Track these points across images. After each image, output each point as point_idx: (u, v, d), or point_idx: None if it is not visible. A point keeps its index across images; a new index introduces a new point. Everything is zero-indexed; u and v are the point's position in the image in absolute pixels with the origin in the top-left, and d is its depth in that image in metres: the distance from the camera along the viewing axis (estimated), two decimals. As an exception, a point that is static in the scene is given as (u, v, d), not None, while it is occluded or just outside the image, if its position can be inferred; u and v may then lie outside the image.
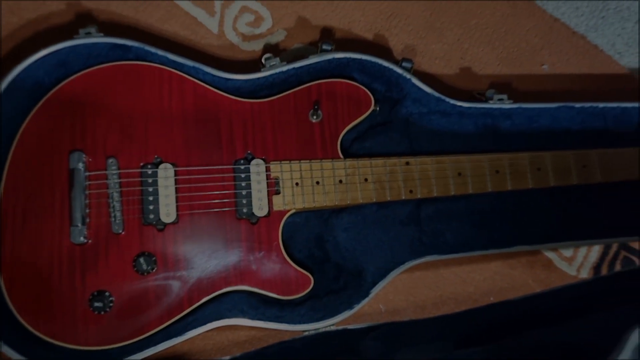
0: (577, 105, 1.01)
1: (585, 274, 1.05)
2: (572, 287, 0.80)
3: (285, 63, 0.94)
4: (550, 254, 1.05)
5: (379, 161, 0.91)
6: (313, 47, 1.05)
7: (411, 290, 1.00)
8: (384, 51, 1.08)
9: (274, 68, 0.94)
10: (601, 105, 1.02)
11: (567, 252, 1.06)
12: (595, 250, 1.07)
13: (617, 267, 1.06)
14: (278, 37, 1.05)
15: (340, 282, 0.91)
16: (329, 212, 0.94)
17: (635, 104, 1.02)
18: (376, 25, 1.08)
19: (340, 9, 1.07)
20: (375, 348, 0.73)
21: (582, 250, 1.06)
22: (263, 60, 0.95)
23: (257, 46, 1.05)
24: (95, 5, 1.00)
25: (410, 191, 0.91)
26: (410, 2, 1.09)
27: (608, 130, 1.02)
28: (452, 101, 0.98)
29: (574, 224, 0.99)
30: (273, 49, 1.05)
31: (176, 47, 1.01)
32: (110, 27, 0.99)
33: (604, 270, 1.06)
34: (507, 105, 0.99)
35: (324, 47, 0.96)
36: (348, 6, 1.07)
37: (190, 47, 1.02)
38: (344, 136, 0.92)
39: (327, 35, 1.07)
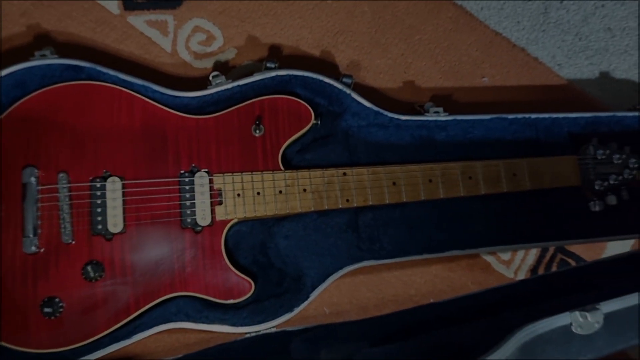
0: (510, 116, 1.06)
1: (522, 276, 1.11)
2: (489, 291, 0.86)
3: (230, 81, 1.00)
4: (488, 258, 1.11)
5: (317, 172, 0.96)
6: (261, 64, 1.11)
7: (354, 292, 1.06)
8: (331, 67, 1.14)
9: (220, 85, 0.99)
10: (533, 116, 1.07)
11: (505, 256, 1.11)
12: (533, 254, 1.12)
13: (554, 269, 1.11)
14: (229, 55, 1.11)
15: (282, 287, 0.97)
16: (272, 220, 1.00)
17: (565, 114, 1.08)
18: (323, 42, 1.14)
19: (289, 28, 1.13)
20: (303, 349, 0.78)
21: (520, 254, 1.11)
22: (210, 78, 1.00)
23: (208, 64, 1.11)
24: (54, 27, 1.06)
25: (347, 200, 0.96)
26: (356, 20, 1.15)
27: (539, 139, 1.07)
28: (390, 114, 1.04)
29: (507, 229, 1.04)
30: (223, 67, 1.11)
31: (131, 66, 1.07)
32: (68, 48, 1.05)
33: (540, 272, 1.11)
34: (443, 117, 1.05)
35: (268, 65, 1.02)
36: (296, 25, 1.13)
37: (145, 66, 1.08)
38: (288, 149, 0.98)
39: (276, 52, 1.13)
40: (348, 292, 1.06)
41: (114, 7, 1.09)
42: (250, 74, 1.01)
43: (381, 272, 1.07)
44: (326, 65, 1.14)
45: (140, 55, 1.09)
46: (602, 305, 0.69)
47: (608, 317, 0.70)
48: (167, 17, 1.10)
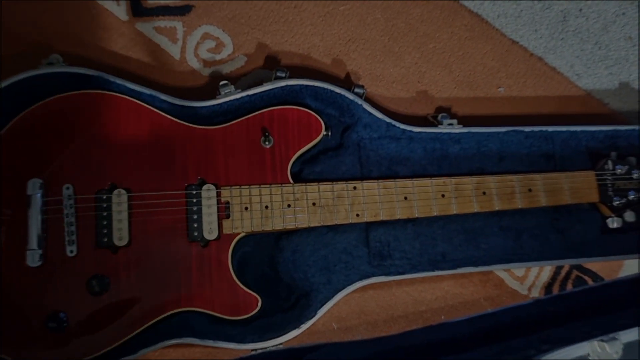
0: (526, 129, 1.04)
1: (536, 293, 1.08)
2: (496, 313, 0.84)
3: (239, 90, 0.98)
4: (501, 274, 1.08)
5: (327, 186, 0.94)
6: (271, 73, 1.08)
7: (363, 308, 1.04)
8: (342, 75, 1.11)
9: (228, 95, 0.97)
10: (550, 129, 1.04)
11: (519, 272, 1.08)
12: (547, 270, 1.09)
13: (569, 286, 1.08)
14: (238, 63, 1.09)
15: (290, 303, 0.95)
16: (281, 234, 0.98)
17: (583, 127, 1.05)
18: (335, 50, 1.12)
19: (300, 35, 1.11)
20: (310, 369, 0.76)
21: (534, 270, 1.09)
22: (219, 88, 0.98)
23: (217, 72, 1.09)
24: (61, 34, 1.04)
25: (357, 215, 0.94)
26: (368, 27, 1.13)
27: (556, 154, 1.04)
28: (403, 126, 1.01)
29: (522, 246, 1.01)
30: (233, 74, 1.09)
31: (139, 73, 1.06)
32: (75, 56, 1.04)
33: (555, 290, 1.08)
34: (457, 130, 1.02)
35: (278, 74, 1.00)
36: (307, 32, 1.11)
37: (153, 73, 1.06)
38: (297, 160, 0.96)
39: (286, 60, 1.10)
40: (357, 308, 1.04)
41: (122, 13, 1.07)
42: (260, 82, 0.99)
43: (391, 287, 1.05)
44: (337, 74, 1.11)
45: (148, 62, 1.07)
46: (620, 335, 0.67)
47: (627, 347, 0.67)
48: (176, 23, 1.08)
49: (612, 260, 1.03)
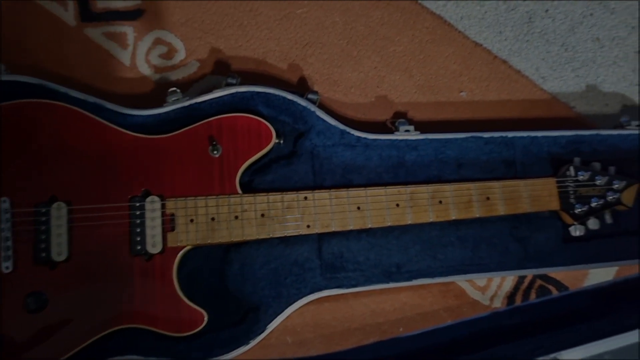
0: (486, 135, 1.01)
1: (498, 303, 1.05)
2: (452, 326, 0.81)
3: (187, 98, 0.95)
4: (463, 284, 1.05)
5: (277, 196, 0.91)
6: (224, 78, 1.05)
7: (319, 321, 1.01)
8: (299, 81, 1.08)
9: (176, 103, 0.94)
10: (510, 134, 1.01)
11: (480, 282, 1.05)
12: (510, 280, 1.06)
13: (532, 296, 1.05)
14: (191, 69, 1.06)
15: (238, 317, 0.92)
16: (230, 246, 0.95)
17: (545, 133, 1.02)
18: (291, 54, 1.08)
19: (255, 39, 1.08)
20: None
21: (496, 280, 1.06)
22: (167, 95, 0.95)
23: (169, 78, 1.05)
24: (5, 41, 1.01)
25: (308, 226, 0.91)
26: (326, 31, 1.10)
27: (516, 160, 1.01)
28: (357, 133, 0.98)
29: (481, 256, 0.98)
30: (185, 81, 1.06)
31: (87, 81, 1.02)
32: (20, 64, 1.01)
33: (518, 300, 1.05)
34: (413, 136, 0.99)
35: (229, 80, 0.97)
36: (262, 36, 1.08)
37: (102, 81, 1.03)
38: (247, 170, 0.93)
39: (241, 65, 1.07)
40: (312, 320, 1.01)
41: (70, 19, 1.04)
42: (212, 89, 0.96)
43: (348, 299, 1.02)
44: (293, 80, 1.08)
45: (97, 69, 1.04)
46: (563, 355, 0.64)
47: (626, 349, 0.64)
48: (126, 28, 1.05)
49: (574, 270, 1.00)
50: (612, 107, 1.16)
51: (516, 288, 1.06)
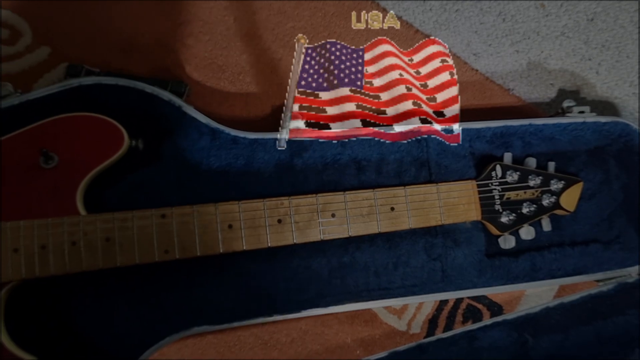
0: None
1: (417, 329, 0.88)
2: None
3: (18, 93, 0.77)
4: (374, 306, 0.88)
5: (127, 214, 0.73)
6: (82, 67, 0.87)
7: (201, 357, 0.84)
8: (173, 68, 0.89)
9: (5, 100, 0.76)
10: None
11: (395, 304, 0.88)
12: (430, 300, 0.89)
13: (459, 318, 0.89)
14: (40, 56, 0.87)
15: (87, 363, 0.75)
16: (72, 278, 0.77)
17: (466, 125, 0.84)
18: (166, 37, 0.89)
19: (121, 17, 0.89)
20: None
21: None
22: None
23: (14, 68, 0.87)
24: None
25: (166, 251, 0.73)
26: (207, 6, 0.90)
27: (430, 160, 0.83)
28: (234, 132, 0.80)
29: (391, 280, 0.81)
30: (33, 72, 0.87)
31: None
32: None
33: (442, 324, 0.88)
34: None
35: (74, 70, 0.79)
36: (132, 15, 0.89)
37: None
38: (94, 182, 0.75)
39: (104, 52, 0.88)
40: (193, 356, 0.84)
41: None
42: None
43: (236, 330, 0.85)
44: (166, 68, 0.89)
45: None
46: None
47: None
48: (-43, 9, 0.86)
49: (500, 292, 0.83)
50: (558, 87, 0.97)
51: (439, 309, 0.89)
